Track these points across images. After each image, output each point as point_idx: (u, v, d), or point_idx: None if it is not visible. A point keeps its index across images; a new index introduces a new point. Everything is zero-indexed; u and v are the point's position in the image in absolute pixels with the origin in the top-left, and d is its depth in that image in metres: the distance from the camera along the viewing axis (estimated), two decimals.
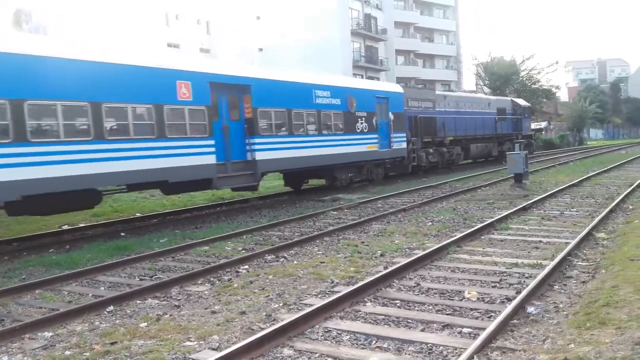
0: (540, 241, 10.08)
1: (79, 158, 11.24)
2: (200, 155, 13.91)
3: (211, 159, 14.26)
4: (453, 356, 5.14)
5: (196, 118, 13.81)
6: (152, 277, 8.91)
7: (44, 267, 9.87)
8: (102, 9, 44.39)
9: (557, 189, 17.39)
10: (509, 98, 40.65)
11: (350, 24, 51.36)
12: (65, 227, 14.53)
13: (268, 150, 16.05)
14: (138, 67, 12.56)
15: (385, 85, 25.93)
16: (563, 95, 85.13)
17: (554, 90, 64.59)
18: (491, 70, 59.59)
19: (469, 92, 43.76)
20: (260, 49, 50.00)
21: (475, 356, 4.97)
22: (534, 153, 39.07)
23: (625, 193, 15.44)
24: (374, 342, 5.62)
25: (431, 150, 26.66)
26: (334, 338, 5.77)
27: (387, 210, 14.79)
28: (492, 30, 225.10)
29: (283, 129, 16.88)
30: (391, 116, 22.62)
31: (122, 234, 13.05)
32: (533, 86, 60.25)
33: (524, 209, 13.77)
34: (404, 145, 23.57)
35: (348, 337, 5.78)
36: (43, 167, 10.65)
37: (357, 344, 5.59)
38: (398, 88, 24.54)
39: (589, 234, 10.15)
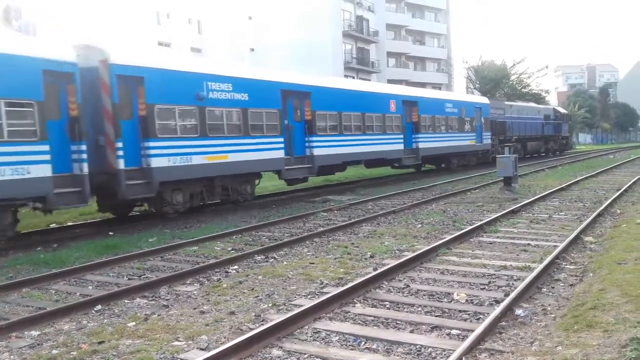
0: (528, 244, 10.14)
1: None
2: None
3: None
4: (441, 358, 5.16)
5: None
6: (140, 276, 8.87)
7: (31, 266, 9.79)
8: (92, 6, 44.13)
9: (546, 193, 17.50)
10: (552, 106, 51.31)
11: (342, 26, 51.37)
12: (54, 225, 14.43)
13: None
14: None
15: (480, 97, 36.79)
16: (552, 100, 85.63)
17: (543, 94, 65.15)
18: (482, 74, 59.94)
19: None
20: (252, 49, 49.88)
21: (463, 358, 4.99)
22: (567, 152, 49.64)
23: (613, 197, 15.56)
24: (363, 343, 5.63)
25: (512, 145, 33.26)
26: (323, 339, 5.77)
27: (377, 212, 14.81)
28: (483, 34, 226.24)
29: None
30: (482, 120, 32.02)
31: (111, 232, 12.97)
32: (523, 90, 60.70)
33: (513, 212, 13.84)
34: (489, 141, 33.14)
35: (337, 338, 5.78)
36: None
37: (346, 345, 5.59)
38: (486, 100, 34.87)
39: (577, 237, 10.21)
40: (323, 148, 19.33)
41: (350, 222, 13.19)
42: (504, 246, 10.09)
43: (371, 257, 9.59)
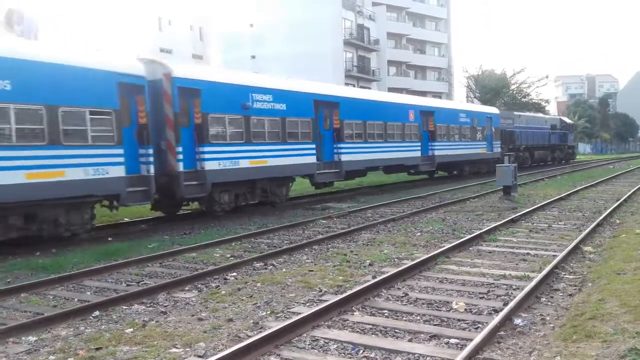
0: (528, 253, 10.13)
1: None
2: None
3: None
4: None
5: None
6: (139, 282, 8.85)
7: (29, 271, 9.77)
8: (94, 11, 44.27)
9: (546, 202, 17.50)
10: (558, 117, 52.89)
11: (343, 34, 51.54)
12: None
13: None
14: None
15: (490, 108, 37.68)
16: (552, 110, 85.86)
17: (543, 104, 65.31)
18: (482, 83, 60.16)
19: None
20: (253, 57, 50.00)
21: None
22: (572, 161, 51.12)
23: (612, 207, 15.57)
24: (361, 351, 5.61)
25: (512, 154, 33.40)
26: (321, 347, 5.75)
27: (376, 220, 14.81)
28: (483, 44, 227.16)
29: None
30: (493, 129, 33.43)
31: (110, 238, 12.97)
32: (523, 100, 60.84)
33: (513, 221, 13.84)
34: (499, 150, 34.04)
35: (335, 346, 5.76)
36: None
37: (344, 354, 5.58)
38: (496, 110, 36.42)
39: (576, 247, 10.21)
40: (350, 154, 20.89)
41: (349, 229, 13.18)
42: (503, 255, 10.08)
43: (370, 265, 9.58)
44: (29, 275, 9.50)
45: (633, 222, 13.26)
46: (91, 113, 12.14)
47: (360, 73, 53.96)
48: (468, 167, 31.84)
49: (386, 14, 59.90)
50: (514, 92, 61.56)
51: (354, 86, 48.66)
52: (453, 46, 73.13)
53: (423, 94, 55.10)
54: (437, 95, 62.17)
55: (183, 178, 14.21)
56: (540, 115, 49.27)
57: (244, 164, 16.08)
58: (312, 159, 18.91)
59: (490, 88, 58.90)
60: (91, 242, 12.50)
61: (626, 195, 18.70)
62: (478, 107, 37.34)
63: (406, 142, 24.93)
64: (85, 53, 13.77)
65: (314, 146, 19.00)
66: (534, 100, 62.21)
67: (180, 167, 14.18)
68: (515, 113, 41.71)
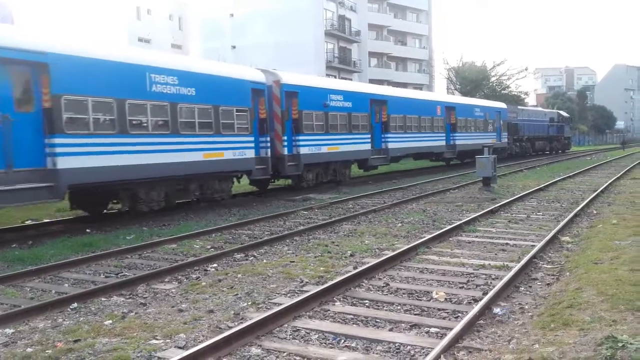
0: (507, 243, 10.24)
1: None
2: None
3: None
4: (420, 356, 5.18)
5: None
6: (117, 274, 8.76)
7: (5, 263, 9.61)
8: None
9: (524, 193, 17.70)
10: (556, 111, 56.76)
11: (325, 25, 51.37)
12: (29, 222, 14.19)
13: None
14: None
15: (499, 103, 41.45)
16: (531, 102, 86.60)
17: (523, 96, 65.77)
18: (462, 75, 60.38)
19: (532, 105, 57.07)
20: (234, 47, 49.61)
21: (442, 356, 5.01)
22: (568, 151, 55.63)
23: (589, 198, 15.79)
24: (342, 341, 5.62)
25: (516, 144, 42.04)
26: (302, 337, 5.75)
27: (357, 211, 14.84)
28: (464, 36, 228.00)
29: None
30: (501, 122, 38.10)
31: (88, 230, 12.80)
32: (503, 92, 61.24)
33: (492, 212, 13.97)
34: (506, 140, 39.16)
35: (317, 336, 5.77)
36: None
37: (325, 343, 5.58)
38: (504, 105, 41.10)
39: (554, 237, 10.34)
40: (394, 143, 25.53)
41: (330, 220, 13.19)
42: (483, 245, 10.18)
43: (351, 255, 9.60)
44: (5, 267, 9.34)
45: (610, 212, 13.47)
46: (237, 111, 16.42)
47: (342, 64, 53.89)
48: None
49: (367, 5, 59.80)
50: (494, 84, 61.94)
51: (335, 77, 48.60)
52: (434, 38, 73.56)
53: (404, 85, 55.25)
54: (418, 87, 62.38)
55: (286, 160, 18.68)
56: (540, 109, 54.08)
57: (324, 149, 20.68)
58: (368, 147, 23.49)
59: (470, 80, 59.17)
60: (68, 233, 12.33)
61: (603, 187, 18.98)
62: (489, 102, 40.66)
63: (434, 133, 29.63)
64: (231, 67, 18.69)
65: (369, 136, 23.59)
66: (513, 93, 62.68)
67: (285, 151, 18.68)
68: (519, 107, 46.42)
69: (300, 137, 19.30)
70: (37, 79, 11.49)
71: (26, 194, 11.24)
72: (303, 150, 19.41)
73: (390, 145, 25.07)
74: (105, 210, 15.39)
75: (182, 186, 15.31)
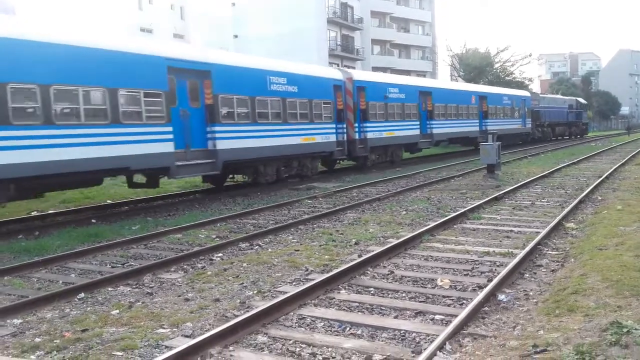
0: (511, 230, 10.24)
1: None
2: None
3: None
4: (425, 342, 5.20)
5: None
6: (123, 264, 8.81)
7: (12, 254, 9.67)
8: None
9: (529, 180, 17.66)
10: (575, 98, 59.43)
11: (327, 13, 51.07)
12: (35, 213, 14.25)
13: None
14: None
15: (525, 92, 46.48)
16: (535, 88, 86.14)
17: (527, 82, 65.48)
18: (466, 62, 60.07)
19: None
20: (236, 36, 49.40)
21: (447, 342, 5.03)
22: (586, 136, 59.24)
23: (594, 184, 15.75)
24: (347, 328, 5.65)
25: (538, 129, 46.12)
26: (308, 325, 5.78)
27: (361, 199, 14.85)
28: (467, 22, 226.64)
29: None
30: (526, 109, 42.25)
31: (93, 220, 12.86)
32: (507, 78, 60.94)
33: (496, 199, 13.96)
34: (530, 125, 43.42)
35: (322, 324, 5.80)
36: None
37: (331, 331, 5.62)
38: (528, 94, 46.08)
39: (559, 223, 10.33)
40: (438, 128, 29.62)
41: (334, 209, 13.21)
42: (487, 232, 10.18)
43: (356, 244, 9.62)
44: (12, 258, 9.40)
45: (614, 198, 13.44)
46: (323, 103, 20.59)
47: (344, 52, 53.62)
48: (509, 139, 38.86)
49: None
50: (498, 71, 61.66)
51: (338, 65, 48.41)
52: (437, 24, 72.91)
53: (407, 72, 54.99)
54: (421, 74, 62.10)
55: (357, 143, 22.85)
56: (560, 97, 58.11)
57: (384, 134, 24.58)
58: (417, 132, 27.50)
59: (474, 67, 58.89)
60: (74, 224, 12.38)
61: (608, 172, 18.92)
62: (515, 91, 44.62)
63: (470, 120, 33.72)
64: (319, 68, 23.45)
65: (418, 123, 27.61)
66: (517, 79, 62.38)
67: (356, 136, 22.75)
68: (540, 95, 50.94)
69: (368, 124, 23.38)
70: (202, 82, 15.32)
71: (198, 167, 15.30)
72: (370, 135, 23.44)
73: (435, 131, 29.28)
74: (225, 184, 18.87)
75: (287, 163, 19.21)
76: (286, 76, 18.56)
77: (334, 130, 21.19)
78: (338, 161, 24.01)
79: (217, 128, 15.48)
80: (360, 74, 23.98)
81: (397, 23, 64.29)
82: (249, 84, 16.79)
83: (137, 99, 13.21)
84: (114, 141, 12.62)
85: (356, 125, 22.67)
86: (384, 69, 50.31)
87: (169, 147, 14.02)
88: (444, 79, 61.37)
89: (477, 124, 34.42)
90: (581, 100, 60.19)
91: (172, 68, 14.10)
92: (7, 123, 10.63)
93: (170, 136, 14.08)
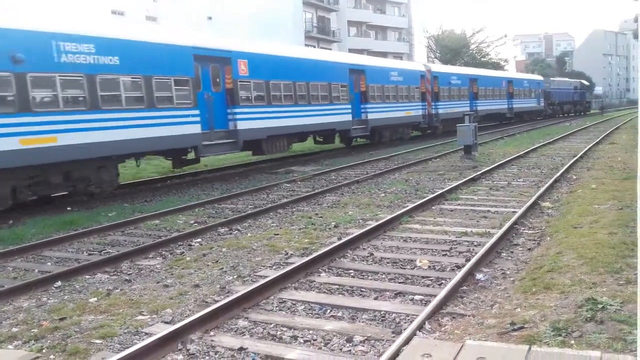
0: (488, 211, 10.35)
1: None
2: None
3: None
4: (405, 322, 5.25)
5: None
6: (101, 251, 8.71)
7: None
8: None
9: (505, 160, 17.85)
10: (579, 80, 66.47)
11: None
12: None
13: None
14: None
15: (538, 76, 55.22)
16: (511, 68, 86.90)
17: (502, 63, 65.99)
18: (442, 43, 60.24)
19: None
20: (210, 18, 48.69)
21: (426, 322, 5.09)
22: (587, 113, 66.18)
23: (569, 164, 15.99)
24: (328, 311, 5.68)
25: (550, 107, 53.97)
26: (288, 308, 5.79)
27: (340, 182, 14.87)
28: (443, 3, 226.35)
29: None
30: (540, 91, 50.47)
31: (69, 207, 12.68)
32: (483, 59, 61.32)
33: (473, 179, 14.09)
34: (543, 104, 51.61)
35: (303, 307, 5.81)
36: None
37: (311, 314, 5.64)
38: (541, 77, 54.95)
39: (534, 203, 10.48)
40: (483, 106, 37.80)
41: (313, 192, 13.20)
42: (465, 213, 10.28)
43: (335, 226, 9.64)
44: None
45: (589, 177, 13.66)
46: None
47: (320, 34, 53.28)
48: (526, 115, 48.46)
49: None
50: (474, 52, 61.99)
51: (314, 47, 48.06)
52: (413, 6, 72.85)
53: (384, 54, 54.90)
54: (398, 56, 62.06)
55: (433, 117, 30.99)
56: (567, 79, 66.02)
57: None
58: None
59: (451, 48, 59.12)
60: (49, 212, 12.19)
61: (582, 152, 19.22)
62: (532, 76, 54.99)
63: (500, 99, 41.98)
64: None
65: (468, 102, 34.96)
66: (493, 60, 62.78)
67: (432, 111, 30.98)
68: (551, 78, 58.68)
69: (440, 104, 31.83)
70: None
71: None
72: (442, 110, 31.92)
73: (480, 107, 36.68)
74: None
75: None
76: (397, 70, 28.06)
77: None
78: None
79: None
80: (433, 67, 33.15)
81: (373, 4, 64.02)
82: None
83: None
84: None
85: (433, 104, 31.03)
86: (360, 51, 50.04)
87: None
88: (421, 60, 61.47)
89: (506, 104, 43.01)
90: (584, 82, 68.40)
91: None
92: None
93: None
